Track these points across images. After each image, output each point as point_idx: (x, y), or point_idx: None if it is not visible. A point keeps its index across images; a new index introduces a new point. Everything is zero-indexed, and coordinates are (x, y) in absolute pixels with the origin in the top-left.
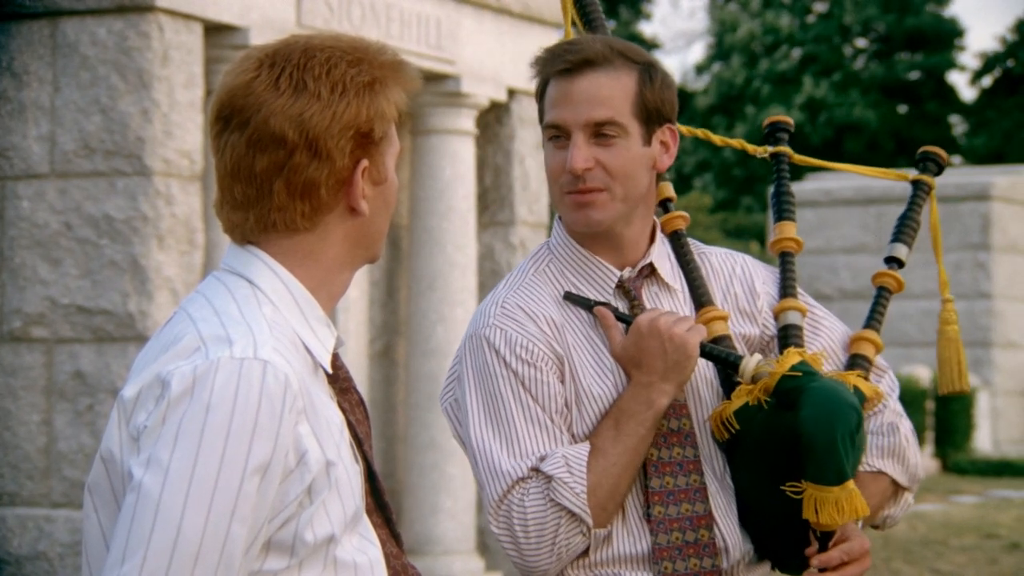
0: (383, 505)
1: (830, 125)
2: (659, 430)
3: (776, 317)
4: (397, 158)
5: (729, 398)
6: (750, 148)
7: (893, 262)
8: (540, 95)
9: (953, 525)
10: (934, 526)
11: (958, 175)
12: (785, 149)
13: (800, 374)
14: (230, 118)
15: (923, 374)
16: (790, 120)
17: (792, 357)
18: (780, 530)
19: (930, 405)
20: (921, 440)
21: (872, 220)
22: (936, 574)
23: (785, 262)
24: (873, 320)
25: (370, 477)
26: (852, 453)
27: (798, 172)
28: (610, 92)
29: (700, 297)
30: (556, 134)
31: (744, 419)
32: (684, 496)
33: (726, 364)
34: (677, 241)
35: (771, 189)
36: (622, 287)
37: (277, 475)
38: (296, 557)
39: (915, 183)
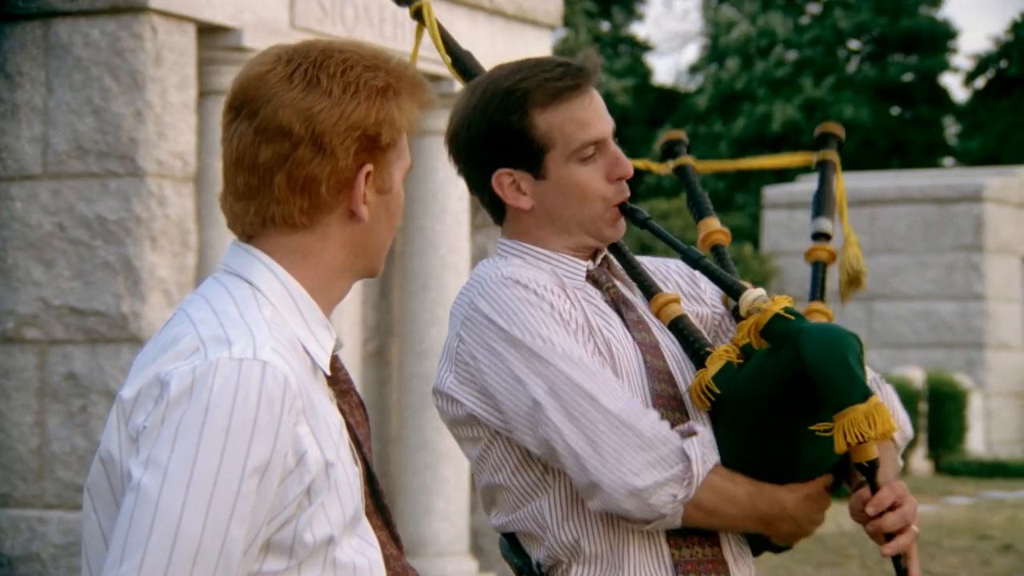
0: (382, 507)
1: None
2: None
3: (725, 302)
4: (406, 173)
5: (703, 366)
6: (654, 167)
7: (821, 236)
8: (526, 121)
9: (946, 526)
10: (927, 527)
11: (951, 177)
12: (686, 159)
13: (792, 317)
14: (241, 107)
15: (916, 375)
16: (683, 134)
17: (784, 300)
18: None
19: (923, 406)
20: (914, 441)
21: (865, 221)
22: (929, 575)
23: (719, 254)
24: (817, 293)
25: (369, 479)
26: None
27: (791, 172)
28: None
29: (649, 288)
30: (591, 152)
31: (723, 382)
32: None
33: (729, 289)
34: (614, 244)
35: (685, 196)
36: (591, 276)
37: (276, 476)
38: (295, 558)
39: (820, 163)
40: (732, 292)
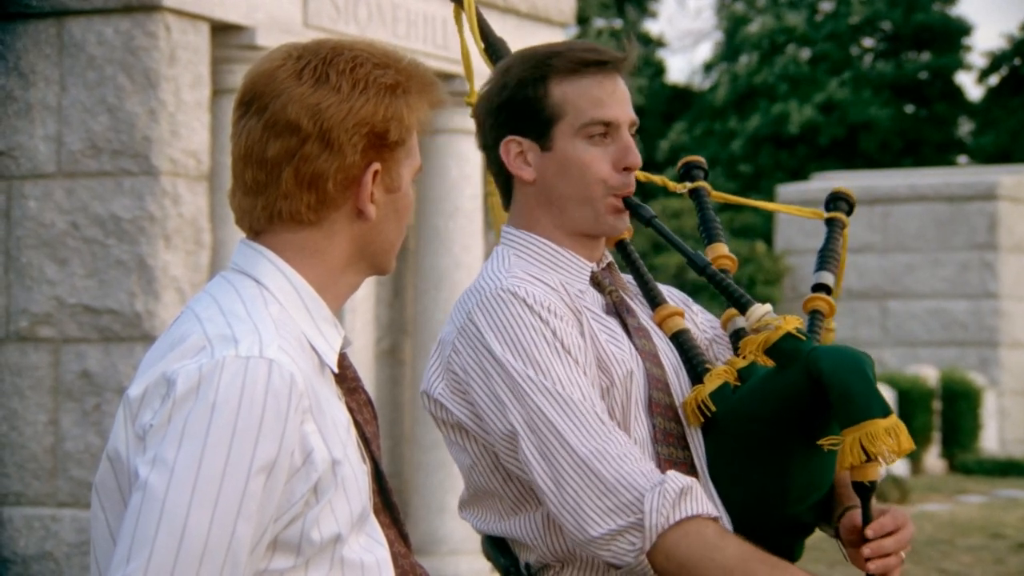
0: (391, 505)
1: (843, 124)
2: (651, 398)
3: (724, 325)
4: (415, 173)
5: (701, 382)
6: (671, 185)
7: (821, 288)
8: (542, 89)
9: (959, 525)
10: (940, 526)
11: (964, 175)
12: (702, 184)
13: (803, 337)
14: (250, 103)
15: (929, 374)
16: (702, 159)
17: (795, 321)
18: (754, 518)
19: (937, 405)
20: (928, 440)
21: (878, 219)
22: (942, 574)
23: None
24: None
25: (377, 477)
26: None
27: (806, 171)
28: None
29: (655, 297)
30: (601, 132)
31: (719, 401)
32: (684, 469)
33: (736, 302)
34: (624, 249)
35: (697, 220)
36: (595, 278)
37: (283, 474)
38: (302, 556)
39: (829, 221)
40: (739, 304)
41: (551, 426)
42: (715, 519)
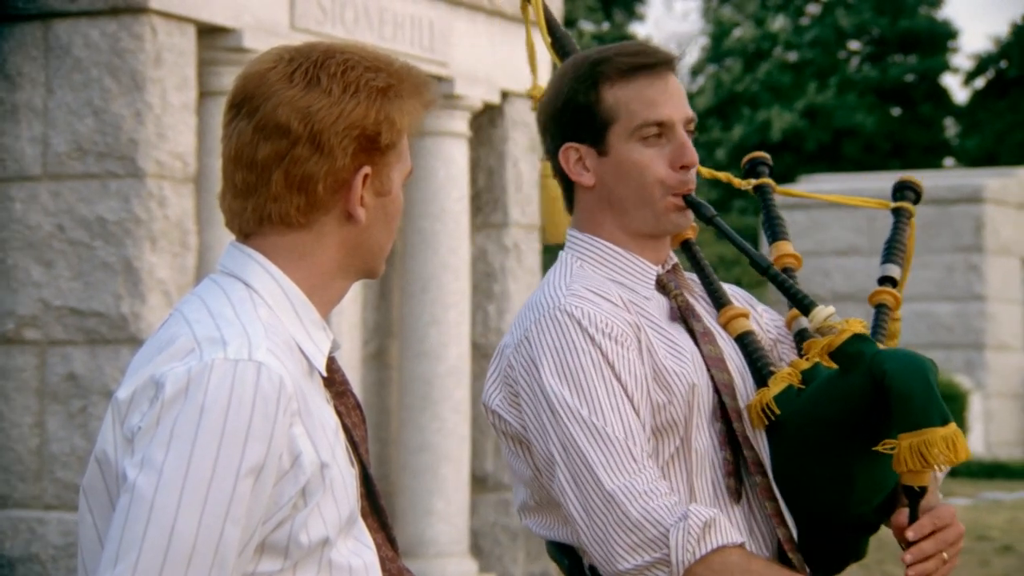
0: (379, 508)
1: (827, 130)
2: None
3: (789, 325)
4: (406, 177)
5: (765, 384)
6: (736, 182)
7: (887, 281)
8: (595, 95)
9: None
10: None
11: (950, 177)
12: (767, 181)
13: (867, 340)
14: (241, 105)
15: None
16: (767, 155)
17: (858, 324)
18: (819, 518)
19: None
20: None
21: (864, 223)
22: None
23: (789, 277)
24: (878, 337)
25: (366, 480)
26: None
27: (792, 176)
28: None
29: (720, 297)
30: (655, 132)
31: (783, 404)
32: (753, 470)
33: (799, 303)
34: (690, 249)
35: (761, 217)
36: (660, 282)
37: (271, 477)
38: (290, 559)
39: (896, 211)
40: (802, 306)
41: (583, 457)
42: (740, 545)
